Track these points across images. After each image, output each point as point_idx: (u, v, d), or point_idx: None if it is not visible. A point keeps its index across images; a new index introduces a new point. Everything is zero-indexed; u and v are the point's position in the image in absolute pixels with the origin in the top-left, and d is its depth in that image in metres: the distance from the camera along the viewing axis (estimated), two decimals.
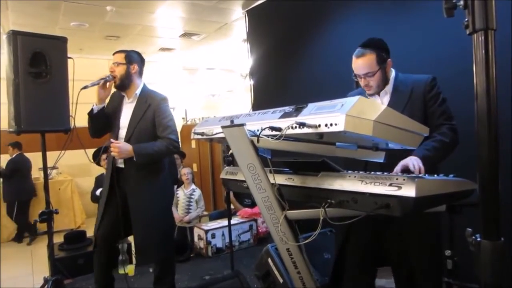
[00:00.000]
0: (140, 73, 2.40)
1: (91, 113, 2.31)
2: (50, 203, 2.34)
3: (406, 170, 1.42)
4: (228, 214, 3.25)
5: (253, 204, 4.29)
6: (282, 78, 3.98)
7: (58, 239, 3.68)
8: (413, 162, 1.42)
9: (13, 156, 5.39)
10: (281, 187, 1.38)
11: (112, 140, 2.22)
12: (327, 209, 1.24)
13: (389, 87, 1.74)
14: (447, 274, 1.68)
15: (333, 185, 1.25)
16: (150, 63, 7.16)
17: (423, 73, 1.75)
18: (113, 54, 2.36)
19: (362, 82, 1.73)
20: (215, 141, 1.72)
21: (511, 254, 0.85)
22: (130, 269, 3.32)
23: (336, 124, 1.02)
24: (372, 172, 1.32)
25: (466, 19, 0.81)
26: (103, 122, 2.35)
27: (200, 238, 3.92)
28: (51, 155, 2.33)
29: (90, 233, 3.68)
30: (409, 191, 1.04)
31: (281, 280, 2.20)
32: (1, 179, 5.40)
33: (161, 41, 6.17)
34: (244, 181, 1.45)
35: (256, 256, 2.78)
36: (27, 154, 5.48)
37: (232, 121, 1.34)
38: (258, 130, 1.23)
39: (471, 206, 1.17)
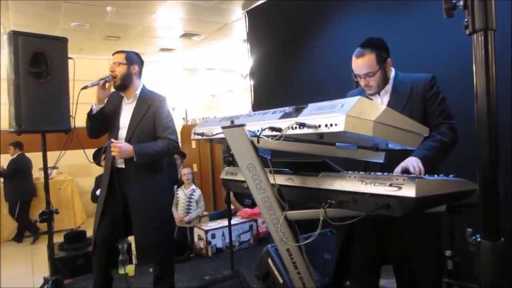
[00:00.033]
0: (140, 74, 2.40)
1: (90, 113, 2.31)
2: (51, 203, 2.34)
3: (406, 172, 1.42)
4: (228, 214, 3.25)
5: (253, 205, 4.29)
6: (282, 78, 3.98)
7: (58, 239, 3.68)
8: (413, 163, 1.42)
9: (15, 156, 5.40)
10: (281, 188, 1.38)
11: (112, 140, 2.22)
12: (327, 210, 1.24)
13: (389, 87, 1.74)
14: (447, 274, 1.68)
15: (333, 185, 1.25)
16: (151, 63, 7.20)
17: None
18: (113, 54, 2.37)
19: (362, 82, 1.72)
20: (215, 142, 1.72)
21: (511, 255, 0.85)
22: (130, 269, 3.32)
23: (336, 125, 1.02)
24: (372, 173, 1.32)
25: (466, 20, 0.81)
26: (101, 122, 2.35)
27: (200, 238, 3.92)
28: (52, 155, 2.33)
29: (90, 233, 3.67)
30: (409, 191, 1.04)
31: (281, 281, 2.20)
32: (2, 179, 5.41)
33: (161, 42, 6.18)
34: (244, 182, 1.45)
35: (256, 256, 2.78)
36: (27, 154, 5.49)
37: (232, 122, 1.34)
38: (258, 131, 1.23)
39: (471, 206, 1.17)
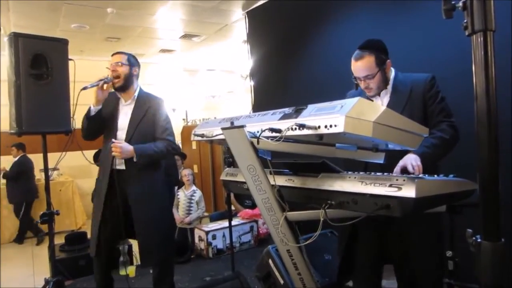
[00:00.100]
0: (138, 76, 2.42)
1: (88, 115, 2.30)
2: (51, 204, 2.34)
3: (405, 171, 1.42)
4: (229, 215, 3.25)
5: (253, 205, 4.29)
6: (282, 79, 3.98)
7: (59, 240, 3.69)
8: (412, 162, 1.42)
9: (17, 157, 5.40)
10: (281, 189, 1.38)
11: (114, 140, 2.22)
12: (327, 210, 1.24)
13: (388, 87, 1.74)
14: (448, 275, 1.68)
15: (333, 186, 1.25)
16: (151, 64, 7.22)
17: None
18: (112, 55, 2.36)
19: (362, 84, 1.72)
20: (215, 143, 1.72)
21: (511, 255, 0.85)
22: (131, 270, 3.32)
23: (335, 126, 1.02)
24: (372, 173, 1.32)
25: (465, 20, 0.81)
26: (99, 124, 2.34)
27: (200, 239, 3.92)
28: (52, 156, 2.33)
29: (90, 234, 3.68)
30: (409, 191, 1.04)
31: (281, 281, 2.20)
32: (5, 181, 5.41)
33: (161, 43, 6.18)
34: (245, 183, 1.45)
35: (256, 257, 2.78)
36: (28, 155, 5.49)
37: (232, 123, 1.35)
38: (258, 132, 1.23)
39: (472, 206, 1.17)
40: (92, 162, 3.04)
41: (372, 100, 1.73)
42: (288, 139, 1.30)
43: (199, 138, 1.62)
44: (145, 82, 2.47)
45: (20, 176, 5.30)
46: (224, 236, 3.87)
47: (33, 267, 4.28)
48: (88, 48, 6.07)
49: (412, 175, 1.22)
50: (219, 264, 3.62)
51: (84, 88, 2.17)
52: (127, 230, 2.28)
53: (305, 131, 1.09)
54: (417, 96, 1.67)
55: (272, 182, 1.35)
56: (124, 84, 2.31)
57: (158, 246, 2.29)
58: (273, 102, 3.40)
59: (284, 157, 1.49)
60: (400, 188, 1.06)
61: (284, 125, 1.17)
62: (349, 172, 1.31)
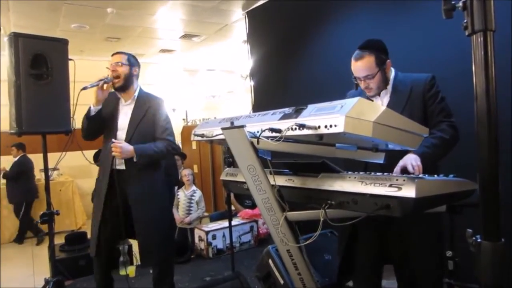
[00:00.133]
0: (138, 76, 2.42)
1: (88, 115, 2.30)
2: (51, 204, 2.34)
3: (405, 171, 1.42)
4: (229, 215, 3.25)
5: (253, 205, 4.29)
6: (282, 79, 3.98)
7: (59, 240, 3.69)
8: (412, 162, 1.42)
9: (17, 157, 5.40)
10: (281, 189, 1.38)
11: (114, 140, 2.22)
12: (327, 210, 1.24)
13: (388, 87, 1.74)
14: (448, 275, 1.68)
15: (333, 186, 1.25)
16: (151, 64, 7.22)
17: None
18: (112, 55, 2.36)
19: (362, 85, 1.72)
20: (215, 143, 1.72)
21: (511, 255, 0.85)
22: (131, 270, 3.32)
23: (335, 126, 1.02)
24: (372, 173, 1.32)
25: (465, 20, 0.81)
26: (99, 124, 2.34)
27: (200, 239, 3.92)
28: (52, 156, 2.33)
29: (90, 234, 3.68)
30: (409, 191, 1.04)
31: (281, 281, 2.20)
32: (5, 181, 5.41)
33: (161, 43, 6.18)
34: (245, 183, 1.45)
35: (256, 257, 2.78)
36: (28, 155, 5.49)
37: (232, 123, 1.35)
38: (258, 132, 1.23)
39: (472, 206, 1.17)
40: (92, 162, 3.04)
41: (372, 100, 1.73)
42: (288, 139, 1.30)
43: (199, 138, 1.62)
44: (145, 82, 2.47)
45: (20, 176, 5.30)
46: (224, 236, 3.87)
47: (33, 267, 4.28)
48: (88, 48, 6.07)
49: (412, 175, 1.22)
50: (219, 264, 3.62)
51: (84, 88, 2.17)
52: (127, 230, 2.28)
53: (305, 131, 1.09)
54: (417, 96, 1.67)
55: (272, 182, 1.35)
56: (124, 84, 2.31)
57: (158, 246, 2.29)
58: (273, 102, 3.40)
59: (284, 157, 1.49)
60: (400, 188, 1.07)
61: (284, 125, 1.17)
62: (349, 172, 1.31)
